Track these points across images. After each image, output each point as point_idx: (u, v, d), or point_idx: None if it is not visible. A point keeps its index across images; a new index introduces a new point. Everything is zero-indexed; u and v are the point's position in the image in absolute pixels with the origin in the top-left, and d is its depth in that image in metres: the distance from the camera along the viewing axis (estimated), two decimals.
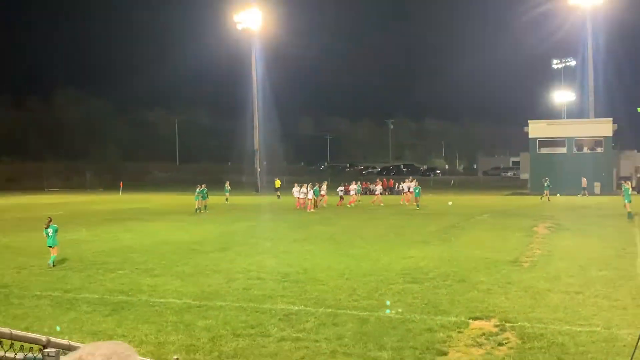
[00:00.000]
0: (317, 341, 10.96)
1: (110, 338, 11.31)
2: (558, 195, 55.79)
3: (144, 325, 12.26)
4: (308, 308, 13.37)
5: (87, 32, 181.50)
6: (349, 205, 47.41)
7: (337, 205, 47.21)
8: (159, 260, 20.35)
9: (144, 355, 9.43)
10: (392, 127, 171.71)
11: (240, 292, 15.20)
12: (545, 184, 53.64)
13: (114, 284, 16.53)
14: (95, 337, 11.43)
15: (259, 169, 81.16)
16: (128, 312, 13.36)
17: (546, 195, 52.68)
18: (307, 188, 43.18)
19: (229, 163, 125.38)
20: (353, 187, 52.44)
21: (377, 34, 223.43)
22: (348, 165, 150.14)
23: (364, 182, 67.07)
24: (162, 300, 14.45)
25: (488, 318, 12.37)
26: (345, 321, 12.25)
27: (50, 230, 19.21)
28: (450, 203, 46.06)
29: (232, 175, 70.90)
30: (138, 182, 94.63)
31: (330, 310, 13.18)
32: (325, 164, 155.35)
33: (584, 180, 59.43)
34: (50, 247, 19.30)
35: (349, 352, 10.36)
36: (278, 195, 59.18)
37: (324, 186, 47.67)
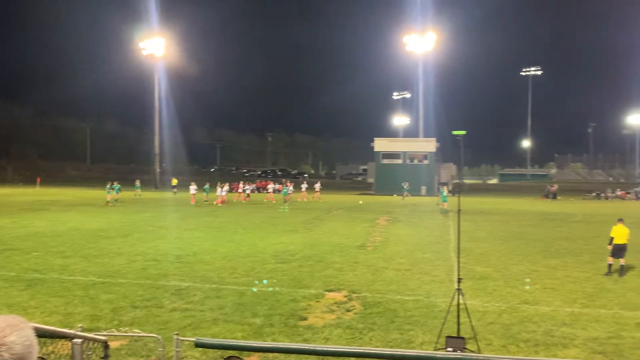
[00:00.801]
0: (202, 311, 10.75)
1: (25, 310, 10.62)
2: (395, 195, 57.92)
3: (54, 298, 11.53)
4: (196, 284, 13.08)
5: (13, 46, 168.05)
6: (273, 201, 45.98)
7: (243, 200, 45.71)
8: (69, 244, 19.19)
9: (53, 324, 8.88)
10: (270, 139, 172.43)
11: (138, 271, 14.62)
12: (405, 187, 55.41)
13: (29, 263, 15.44)
14: (11, 309, 10.70)
15: (158, 170, 78.69)
16: (41, 288, 12.49)
17: (405, 195, 54.37)
18: (226, 187, 43.11)
19: (132, 164, 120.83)
20: (271, 186, 52.52)
21: (260, 63, 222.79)
22: (234, 168, 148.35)
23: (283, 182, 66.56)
24: (70, 277, 13.64)
25: (339, 290, 12.64)
26: (227, 294, 12.10)
27: None
28: (360, 202, 46.57)
29: (136, 175, 68.02)
30: (54, 179, 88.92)
31: (214, 285, 12.96)
32: (215, 167, 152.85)
33: (407, 184, 62.26)
34: None
35: (229, 319, 10.24)
36: (174, 192, 57.47)
37: (226, 186, 47.57)
